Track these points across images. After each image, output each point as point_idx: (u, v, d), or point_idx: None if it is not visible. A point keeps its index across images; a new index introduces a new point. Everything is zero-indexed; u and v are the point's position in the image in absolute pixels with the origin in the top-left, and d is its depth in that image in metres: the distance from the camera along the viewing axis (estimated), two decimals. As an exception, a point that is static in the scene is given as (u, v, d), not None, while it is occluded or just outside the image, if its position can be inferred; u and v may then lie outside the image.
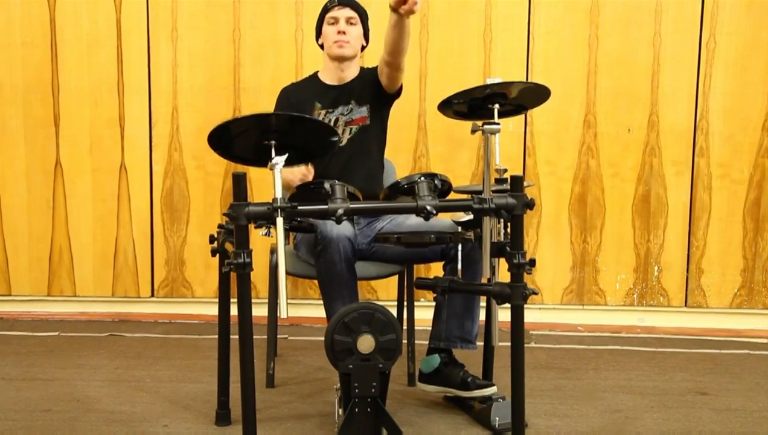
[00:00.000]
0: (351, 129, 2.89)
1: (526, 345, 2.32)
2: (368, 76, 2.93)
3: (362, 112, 2.90)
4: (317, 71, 3.00)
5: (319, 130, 2.32)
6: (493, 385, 2.63)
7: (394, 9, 2.50)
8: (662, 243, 3.69)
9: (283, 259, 2.10)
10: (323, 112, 2.88)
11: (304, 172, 2.67)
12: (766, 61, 3.58)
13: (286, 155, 2.17)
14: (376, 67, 2.92)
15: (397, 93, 2.92)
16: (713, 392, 2.90)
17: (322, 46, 2.95)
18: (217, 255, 2.48)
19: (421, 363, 2.75)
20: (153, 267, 3.82)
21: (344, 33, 2.85)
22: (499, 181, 2.34)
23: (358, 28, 2.90)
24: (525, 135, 3.67)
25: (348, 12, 2.87)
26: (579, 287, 3.74)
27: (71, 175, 3.78)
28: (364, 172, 2.88)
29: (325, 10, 2.91)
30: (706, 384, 2.99)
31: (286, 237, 2.85)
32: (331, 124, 2.86)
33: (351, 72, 2.93)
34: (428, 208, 2.19)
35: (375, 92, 2.90)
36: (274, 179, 2.14)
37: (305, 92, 2.94)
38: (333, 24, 2.87)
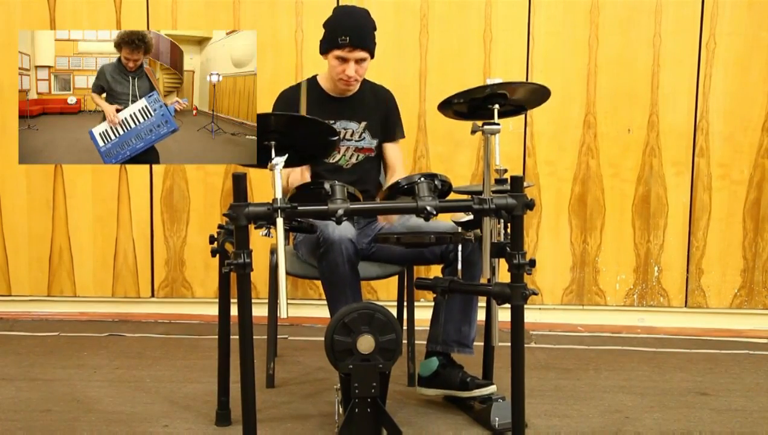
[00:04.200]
0: (358, 156, 2.90)
1: (526, 345, 2.32)
2: (379, 101, 2.92)
3: (372, 144, 2.92)
4: (316, 75, 2.97)
5: (319, 131, 2.32)
6: (492, 384, 2.63)
7: None
8: (662, 243, 3.69)
9: (283, 259, 2.10)
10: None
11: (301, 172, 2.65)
12: (766, 61, 3.58)
13: (286, 155, 2.17)
14: (388, 94, 2.96)
15: None
16: (713, 392, 2.90)
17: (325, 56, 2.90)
18: (217, 255, 2.48)
19: (420, 367, 2.75)
20: (153, 267, 3.82)
21: (351, 76, 2.77)
22: (499, 181, 2.34)
23: (366, 63, 2.80)
24: (525, 135, 3.67)
25: (359, 54, 2.75)
26: (579, 287, 3.74)
27: (71, 175, 3.77)
28: (366, 196, 2.85)
29: (335, 44, 2.74)
30: (706, 384, 2.99)
31: (286, 237, 2.85)
32: None
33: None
34: (428, 208, 2.19)
35: (384, 130, 2.94)
36: (274, 179, 2.15)
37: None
38: (341, 62, 2.76)
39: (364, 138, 2.89)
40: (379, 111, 2.92)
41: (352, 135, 2.88)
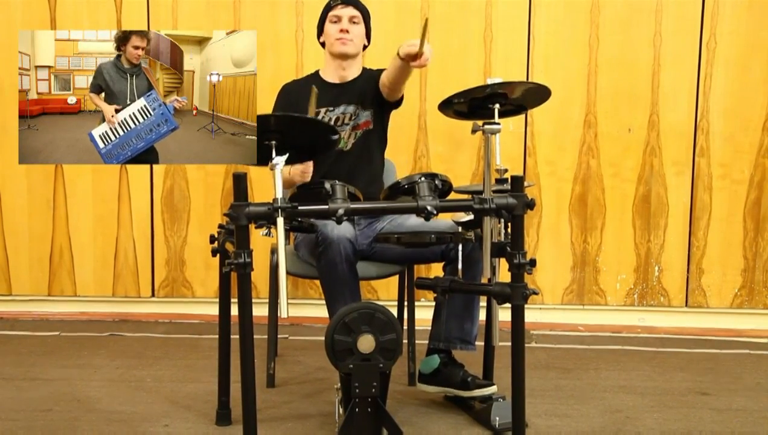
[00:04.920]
0: (356, 133, 2.90)
1: (526, 345, 2.32)
2: (371, 79, 2.92)
3: (366, 116, 2.91)
4: (318, 70, 3.00)
5: (320, 130, 2.32)
6: (492, 384, 2.63)
7: (403, 60, 2.51)
8: (663, 243, 3.69)
9: (284, 259, 2.10)
10: (323, 109, 2.88)
11: (302, 169, 2.66)
12: (766, 60, 3.58)
13: (287, 155, 2.17)
14: (380, 70, 2.93)
15: (398, 103, 2.94)
16: (713, 392, 2.90)
17: (323, 44, 2.96)
18: (218, 255, 2.48)
19: (421, 364, 2.76)
20: (153, 267, 3.82)
21: (347, 31, 2.86)
22: (499, 181, 2.34)
23: (361, 27, 2.91)
24: (525, 135, 3.67)
25: (351, 11, 2.88)
26: (579, 287, 3.74)
27: (71, 175, 3.77)
28: (368, 175, 2.89)
29: (328, 8, 2.91)
30: (707, 384, 2.99)
31: (287, 237, 2.85)
32: (332, 122, 2.87)
33: (353, 71, 2.94)
34: (429, 208, 2.19)
35: (377, 98, 2.91)
36: (275, 179, 2.15)
37: (305, 90, 2.93)
38: (336, 22, 2.88)
39: (359, 114, 2.91)
40: (368, 85, 2.93)
41: (350, 118, 2.90)
